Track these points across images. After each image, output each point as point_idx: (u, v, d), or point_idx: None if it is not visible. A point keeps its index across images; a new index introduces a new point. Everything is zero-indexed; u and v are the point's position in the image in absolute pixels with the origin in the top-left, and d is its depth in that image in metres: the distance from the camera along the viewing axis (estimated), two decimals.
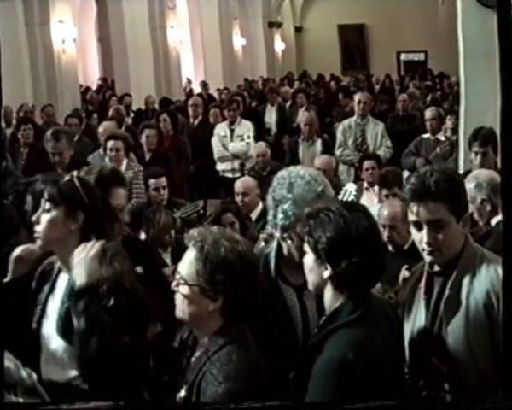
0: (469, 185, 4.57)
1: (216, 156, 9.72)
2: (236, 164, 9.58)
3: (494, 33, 6.81)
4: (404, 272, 3.50)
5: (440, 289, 2.92)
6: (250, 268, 2.69)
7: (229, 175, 9.52)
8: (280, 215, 3.05)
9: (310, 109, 11.24)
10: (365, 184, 7.25)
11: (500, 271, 2.74)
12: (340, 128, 9.09)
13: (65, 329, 2.92)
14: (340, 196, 4.60)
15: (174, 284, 2.69)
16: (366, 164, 7.46)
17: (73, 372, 2.93)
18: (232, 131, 9.72)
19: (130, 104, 14.23)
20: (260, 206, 6.65)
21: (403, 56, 28.87)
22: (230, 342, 2.62)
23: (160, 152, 8.43)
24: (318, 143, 9.00)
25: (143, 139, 8.36)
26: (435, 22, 24.82)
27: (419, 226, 2.88)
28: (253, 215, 6.64)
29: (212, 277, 2.61)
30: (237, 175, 8.97)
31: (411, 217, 2.89)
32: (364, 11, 27.31)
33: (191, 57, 22.01)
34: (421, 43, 26.96)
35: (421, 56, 28.36)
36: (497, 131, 5.88)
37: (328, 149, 8.88)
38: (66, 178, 3.05)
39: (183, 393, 2.65)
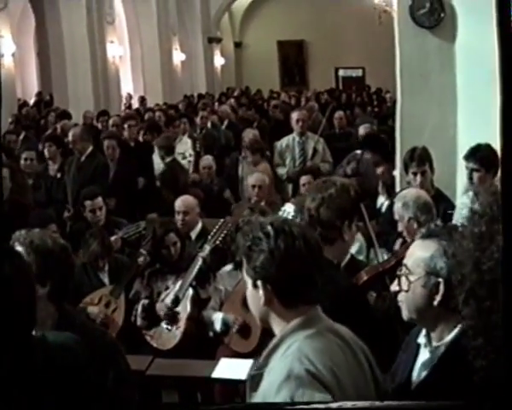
0: (397, 204, 4.93)
1: (156, 173, 9.59)
2: None
3: (430, 54, 6.96)
4: None
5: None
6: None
7: None
8: None
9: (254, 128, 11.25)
10: None
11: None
12: (277, 148, 9.17)
13: None
14: None
15: None
16: (303, 179, 7.52)
17: None
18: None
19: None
20: (200, 225, 6.60)
21: (341, 72, 29.22)
22: None
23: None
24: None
25: None
26: (373, 39, 25.18)
27: None
28: (193, 234, 6.54)
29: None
30: None
31: None
32: (304, 27, 27.58)
33: (130, 72, 21.90)
34: (359, 60, 27.35)
35: (359, 72, 28.74)
36: (435, 146, 6.01)
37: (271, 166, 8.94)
38: None
39: None
